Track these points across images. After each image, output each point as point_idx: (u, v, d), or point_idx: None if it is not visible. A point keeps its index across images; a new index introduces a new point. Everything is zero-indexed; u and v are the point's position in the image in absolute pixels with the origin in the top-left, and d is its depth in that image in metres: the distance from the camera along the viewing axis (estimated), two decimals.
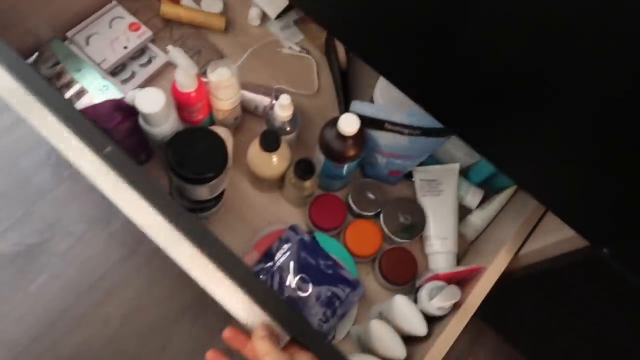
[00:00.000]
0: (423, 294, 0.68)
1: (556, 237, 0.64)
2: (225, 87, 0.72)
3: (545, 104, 0.45)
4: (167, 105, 0.65)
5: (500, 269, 0.70)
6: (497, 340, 1.05)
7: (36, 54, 0.84)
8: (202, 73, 0.88)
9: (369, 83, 0.88)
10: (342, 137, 0.70)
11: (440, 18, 0.46)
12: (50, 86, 0.51)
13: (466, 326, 0.66)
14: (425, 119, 0.73)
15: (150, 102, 0.63)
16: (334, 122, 0.71)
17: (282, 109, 0.74)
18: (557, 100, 0.44)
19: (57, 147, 0.50)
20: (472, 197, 0.85)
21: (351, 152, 0.72)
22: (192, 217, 0.49)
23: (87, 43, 0.86)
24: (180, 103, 0.73)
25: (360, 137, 0.72)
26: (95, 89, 0.84)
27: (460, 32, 0.46)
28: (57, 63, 0.84)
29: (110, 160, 0.49)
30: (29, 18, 0.79)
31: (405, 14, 0.49)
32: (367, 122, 0.74)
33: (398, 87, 0.58)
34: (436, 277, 0.72)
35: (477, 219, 0.84)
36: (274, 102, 0.85)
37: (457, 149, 0.83)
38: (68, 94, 0.82)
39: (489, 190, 0.88)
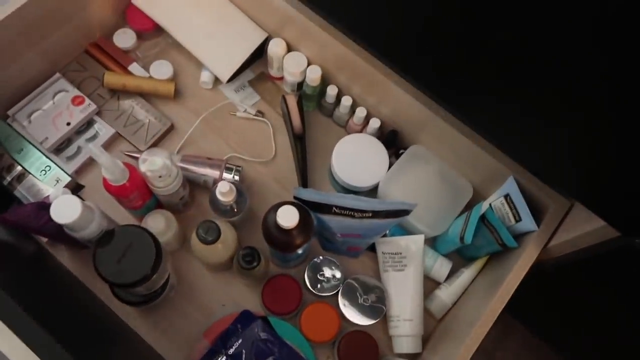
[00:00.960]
0: None
1: (586, 227, 0.62)
2: (159, 177, 0.68)
3: (574, 92, 0.45)
4: (85, 211, 0.61)
5: (517, 278, 0.67)
6: (525, 334, 1.05)
7: None
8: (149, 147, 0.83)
9: (327, 146, 0.83)
10: (284, 229, 0.65)
11: None
12: None
13: (495, 320, 0.64)
14: (375, 202, 0.68)
15: (65, 211, 0.59)
16: (274, 211, 0.66)
17: (223, 196, 0.70)
18: (585, 87, 0.43)
19: None
20: (440, 268, 0.80)
21: (296, 242, 0.67)
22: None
23: (30, 121, 0.82)
24: (115, 195, 0.69)
25: (305, 225, 0.67)
26: (36, 170, 0.80)
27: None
28: None
29: None
30: None
31: None
32: (315, 207, 0.69)
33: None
34: None
35: (445, 295, 0.78)
36: (223, 176, 0.80)
37: (419, 222, 0.78)
38: (8, 179, 0.79)
39: (458, 259, 0.82)
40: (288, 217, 0.63)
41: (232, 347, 0.74)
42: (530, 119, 0.53)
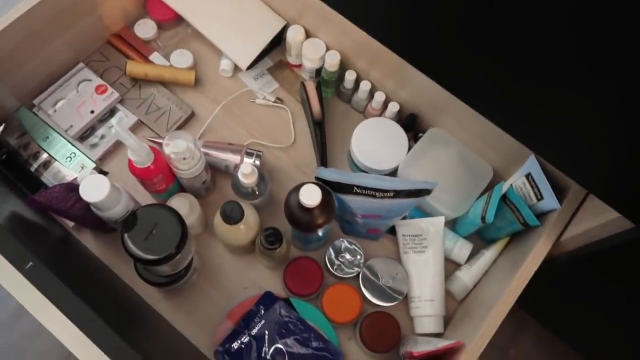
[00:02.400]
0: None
1: (599, 220, 0.62)
2: (182, 160, 0.69)
3: (587, 80, 0.44)
4: (113, 191, 0.62)
5: (539, 257, 0.67)
6: (539, 329, 1.04)
7: (2, 125, 0.82)
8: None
9: (345, 132, 0.84)
10: (305, 208, 0.66)
11: None
12: None
13: (508, 316, 0.64)
14: (396, 181, 0.68)
15: (94, 190, 0.61)
16: (296, 190, 0.67)
17: (245, 177, 0.71)
18: (598, 75, 0.43)
19: None
20: (460, 251, 0.80)
21: (318, 222, 0.68)
22: (114, 337, 0.45)
23: (55, 109, 0.84)
24: (140, 178, 0.71)
25: (326, 205, 0.68)
26: (62, 157, 0.82)
27: None
28: (25, 133, 0.83)
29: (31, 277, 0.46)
30: None
31: None
32: (336, 187, 0.70)
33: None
34: (410, 356, 0.67)
35: (466, 276, 0.78)
36: (243, 161, 0.81)
37: (440, 204, 0.78)
38: (35, 165, 0.81)
39: (478, 241, 0.82)
40: (310, 195, 0.64)
41: (254, 328, 0.75)
42: (543, 107, 0.53)
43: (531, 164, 0.72)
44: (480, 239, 0.83)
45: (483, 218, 0.72)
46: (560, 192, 0.71)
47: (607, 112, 0.46)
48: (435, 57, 0.72)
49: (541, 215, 0.72)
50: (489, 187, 0.78)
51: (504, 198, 0.73)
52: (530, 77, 0.52)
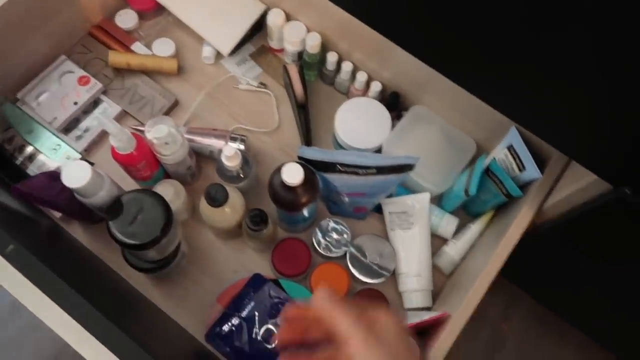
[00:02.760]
0: None
1: (579, 185, 0.62)
2: (165, 144, 0.69)
3: (564, 47, 0.45)
4: (95, 176, 0.62)
5: (522, 226, 0.67)
6: (531, 304, 1.05)
7: None
8: None
9: (329, 114, 0.84)
10: (289, 187, 0.66)
11: None
12: None
13: (499, 291, 0.64)
14: (378, 158, 0.69)
15: (76, 176, 0.61)
16: (279, 170, 0.67)
17: (229, 160, 0.71)
18: (572, 39, 0.43)
19: None
20: (447, 225, 0.80)
21: (302, 200, 0.68)
22: (100, 318, 0.46)
23: (38, 102, 0.84)
24: (123, 164, 0.71)
25: (310, 184, 0.68)
26: (47, 149, 0.82)
27: None
28: (9, 127, 0.83)
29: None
30: None
31: None
32: (320, 166, 0.70)
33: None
34: None
35: (453, 250, 0.79)
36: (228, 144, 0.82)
37: (424, 179, 0.78)
38: (20, 159, 0.81)
39: (464, 216, 0.83)
40: (293, 173, 0.65)
41: (244, 310, 0.75)
42: (522, 76, 0.54)
43: (512, 135, 0.72)
44: (466, 213, 0.83)
45: (467, 191, 0.73)
46: (541, 163, 0.71)
47: (583, 77, 0.46)
48: (414, 32, 0.72)
49: (524, 186, 0.73)
50: (473, 162, 0.78)
51: (487, 171, 0.74)
52: (508, 47, 0.52)
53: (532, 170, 0.70)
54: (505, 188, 0.72)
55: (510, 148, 0.72)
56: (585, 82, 0.46)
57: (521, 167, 0.71)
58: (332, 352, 0.40)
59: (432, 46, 0.73)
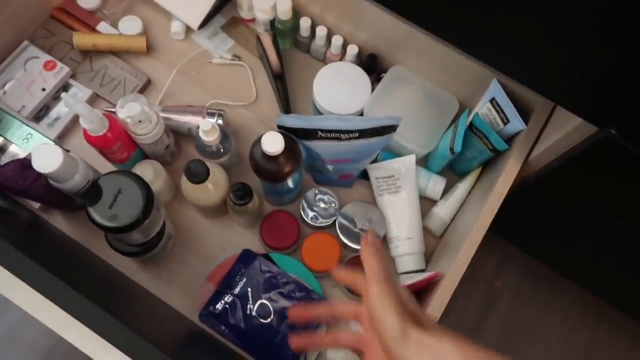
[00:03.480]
0: None
1: (563, 131, 0.61)
2: (139, 123, 0.67)
3: None
4: (67, 159, 0.60)
5: (510, 178, 0.67)
6: (524, 259, 1.07)
7: None
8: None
9: (308, 83, 0.82)
10: (270, 157, 0.65)
11: None
12: None
13: (492, 249, 0.64)
14: (359, 120, 0.67)
15: (47, 161, 0.59)
16: (259, 141, 0.65)
17: (206, 135, 0.69)
18: None
19: None
20: (434, 186, 0.79)
21: (285, 170, 0.67)
22: (86, 302, 0.44)
23: (4, 91, 0.81)
24: (98, 147, 0.69)
25: (291, 152, 0.66)
26: (18, 139, 0.79)
27: None
28: None
29: None
30: None
31: None
32: (300, 134, 0.68)
33: None
34: None
35: (442, 211, 0.78)
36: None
37: (408, 141, 0.77)
38: None
39: (452, 176, 0.82)
40: (273, 143, 0.63)
41: (237, 287, 0.74)
42: (500, 21, 0.52)
43: (494, 88, 0.71)
44: (453, 173, 0.82)
45: (452, 149, 0.71)
46: (525, 114, 0.70)
47: (563, 16, 0.45)
48: None
49: (509, 139, 0.72)
50: (456, 120, 0.77)
51: (472, 127, 0.73)
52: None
53: (516, 122, 0.69)
54: (490, 143, 0.71)
55: (493, 101, 0.71)
56: (565, 22, 0.45)
57: (505, 120, 0.70)
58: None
59: None
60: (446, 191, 0.80)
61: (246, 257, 0.76)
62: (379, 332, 0.42)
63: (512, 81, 0.70)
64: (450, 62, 0.75)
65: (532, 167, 0.68)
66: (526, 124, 0.68)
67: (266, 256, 0.76)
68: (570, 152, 0.60)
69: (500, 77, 0.71)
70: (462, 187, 0.78)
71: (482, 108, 0.73)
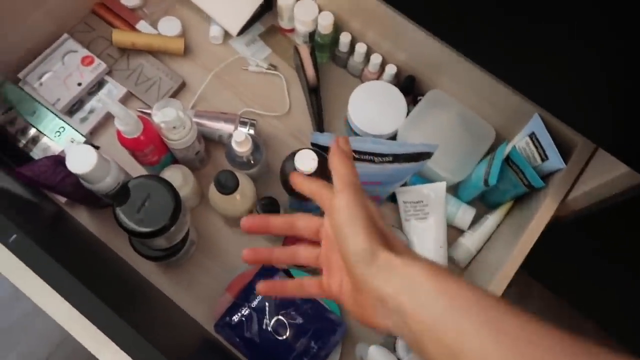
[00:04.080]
0: (400, 345, 0.62)
1: (606, 177, 0.59)
2: (173, 129, 0.66)
3: (593, 25, 0.41)
4: (101, 161, 0.60)
5: (545, 218, 0.64)
6: (544, 294, 1.03)
7: None
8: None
9: (342, 98, 0.81)
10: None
11: None
12: None
13: (513, 281, 0.63)
14: (395, 145, 0.66)
15: (81, 161, 0.59)
16: (292, 157, 0.64)
17: (239, 146, 0.68)
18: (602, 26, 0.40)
19: None
20: (463, 216, 0.78)
21: None
22: (102, 306, 0.44)
23: (40, 83, 0.81)
24: (130, 149, 0.68)
25: (323, 171, 0.65)
26: (50, 132, 0.79)
27: None
28: (11, 108, 0.80)
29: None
30: None
31: None
32: None
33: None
34: None
35: (469, 241, 0.76)
36: (238, 129, 0.79)
37: (441, 168, 0.76)
38: (23, 141, 0.78)
39: (481, 206, 0.80)
40: (306, 161, 0.62)
41: (255, 300, 0.73)
42: (547, 56, 0.51)
43: (535, 123, 0.69)
44: (484, 203, 0.81)
45: (486, 181, 0.70)
46: (565, 152, 0.68)
47: (614, 58, 0.43)
48: (430, 6, 0.68)
49: (546, 176, 0.70)
50: (492, 150, 0.75)
51: (507, 160, 0.71)
52: (533, 23, 0.49)
53: (555, 160, 0.67)
54: (526, 178, 0.69)
55: (532, 136, 0.70)
56: (616, 63, 0.43)
57: (543, 156, 0.69)
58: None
59: (450, 22, 0.70)
60: (474, 221, 0.78)
61: (267, 271, 0.75)
62: (343, 250, 0.36)
63: (554, 117, 0.69)
64: (490, 91, 0.73)
65: (568, 208, 0.67)
66: (566, 162, 0.67)
67: (287, 272, 0.75)
68: (611, 199, 0.58)
69: (542, 112, 0.69)
70: (492, 219, 0.77)
71: (520, 141, 0.72)
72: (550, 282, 0.95)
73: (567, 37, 0.50)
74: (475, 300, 0.32)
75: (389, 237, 0.37)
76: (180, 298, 0.76)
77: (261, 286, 0.44)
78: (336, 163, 0.39)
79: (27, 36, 0.80)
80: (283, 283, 0.44)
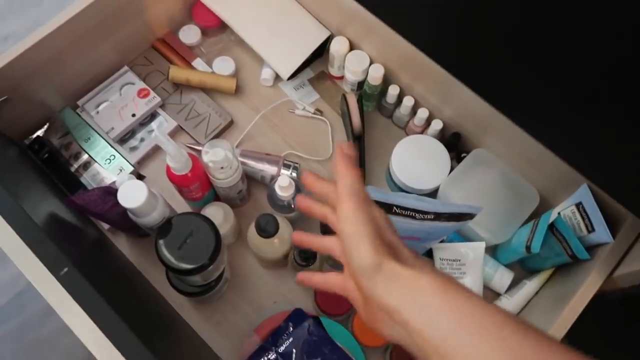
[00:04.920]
0: None
1: None
2: (220, 168, 0.68)
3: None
4: (150, 198, 0.61)
5: (589, 293, 0.62)
6: None
7: (47, 124, 0.84)
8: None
9: (385, 148, 0.82)
10: None
11: None
12: (13, 203, 0.48)
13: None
14: (438, 204, 0.65)
15: (132, 196, 0.60)
16: None
17: (282, 190, 0.69)
18: None
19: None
20: (501, 279, 0.76)
21: None
22: (133, 338, 0.44)
23: (97, 111, 0.85)
24: (177, 185, 0.70)
25: None
26: (101, 159, 0.82)
27: None
28: (67, 133, 0.84)
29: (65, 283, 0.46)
30: (41, 89, 0.79)
31: None
32: None
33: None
34: None
35: (506, 306, 0.74)
36: (280, 172, 0.80)
37: (481, 228, 0.75)
38: (75, 166, 0.82)
39: (519, 270, 0.79)
40: None
41: (282, 345, 0.73)
42: (601, 129, 0.50)
43: (583, 192, 0.68)
44: (522, 267, 0.79)
45: (528, 247, 0.68)
46: (613, 225, 0.66)
47: None
48: (484, 71, 0.69)
49: (592, 248, 0.68)
50: (535, 214, 0.74)
51: (551, 227, 0.69)
52: (589, 96, 0.49)
53: (602, 233, 0.65)
54: (570, 248, 0.67)
55: (579, 206, 0.68)
56: None
57: (590, 227, 0.67)
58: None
59: (501, 86, 0.70)
60: (512, 285, 0.76)
61: (297, 317, 0.74)
62: (349, 260, 0.35)
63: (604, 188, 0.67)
64: (537, 155, 0.72)
65: (614, 284, 0.64)
66: (614, 236, 0.65)
67: (317, 319, 0.75)
68: None
69: (591, 183, 0.68)
70: (531, 286, 0.75)
71: (566, 209, 0.70)
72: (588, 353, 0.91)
73: (622, 116, 0.50)
74: (486, 318, 0.30)
75: (397, 246, 0.36)
76: (208, 335, 0.76)
77: (300, 276, 0.45)
78: (340, 170, 0.38)
79: (92, 66, 0.84)
80: (312, 274, 0.45)
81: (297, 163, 0.82)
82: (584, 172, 0.68)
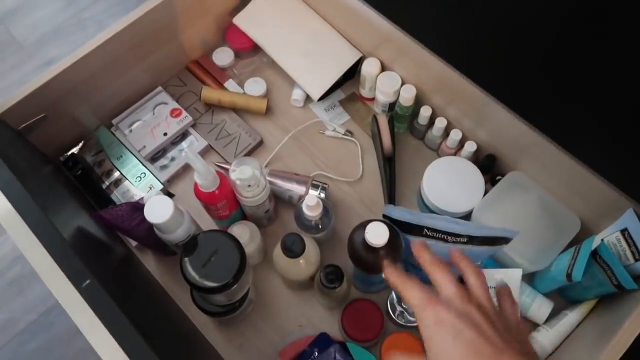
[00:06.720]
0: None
1: None
2: (248, 187, 0.67)
3: None
4: (176, 214, 0.61)
5: (638, 327, 0.58)
6: None
7: (82, 142, 0.86)
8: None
9: (416, 170, 0.80)
10: (371, 247, 0.62)
11: None
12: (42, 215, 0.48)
13: None
14: (471, 227, 0.63)
15: (158, 212, 0.60)
16: (362, 227, 0.63)
17: (310, 210, 0.68)
18: None
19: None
20: (539, 309, 0.72)
21: (384, 262, 0.63)
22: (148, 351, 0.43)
23: (130, 130, 0.86)
24: (204, 202, 0.70)
25: (393, 245, 0.63)
26: (132, 176, 0.83)
27: None
28: (101, 151, 0.85)
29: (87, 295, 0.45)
30: (77, 108, 0.81)
31: None
32: (404, 227, 0.65)
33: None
34: None
35: (545, 338, 0.70)
36: (308, 192, 0.79)
37: (517, 254, 0.71)
38: (107, 183, 0.83)
39: (559, 300, 0.74)
40: (377, 234, 0.60)
41: None
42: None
43: (628, 217, 0.64)
44: (563, 297, 0.74)
45: (569, 275, 0.64)
46: None
47: None
48: (524, 90, 0.67)
49: (639, 278, 0.63)
50: (575, 241, 0.70)
51: (594, 255, 0.65)
52: (637, 115, 0.46)
53: None
54: (615, 277, 0.63)
55: (625, 232, 0.64)
56: None
57: (637, 255, 0.62)
58: None
59: (540, 105, 0.68)
60: (551, 316, 0.72)
61: (322, 341, 0.72)
62: None
63: None
64: (577, 178, 0.69)
65: None
66: None
67: (343, 345, 0.72)
68: None
69: (636, 206, 0.64)
70: (572, 317, 0.70)
71: (610, 236, 0.66)
72: None
73: None
74: None
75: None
76: (231, 357, 0.74)
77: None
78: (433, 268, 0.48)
79: (126, 86, 0.86)
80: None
81: (325, 183, 0.80)
82: (632, 197, 0.64)
